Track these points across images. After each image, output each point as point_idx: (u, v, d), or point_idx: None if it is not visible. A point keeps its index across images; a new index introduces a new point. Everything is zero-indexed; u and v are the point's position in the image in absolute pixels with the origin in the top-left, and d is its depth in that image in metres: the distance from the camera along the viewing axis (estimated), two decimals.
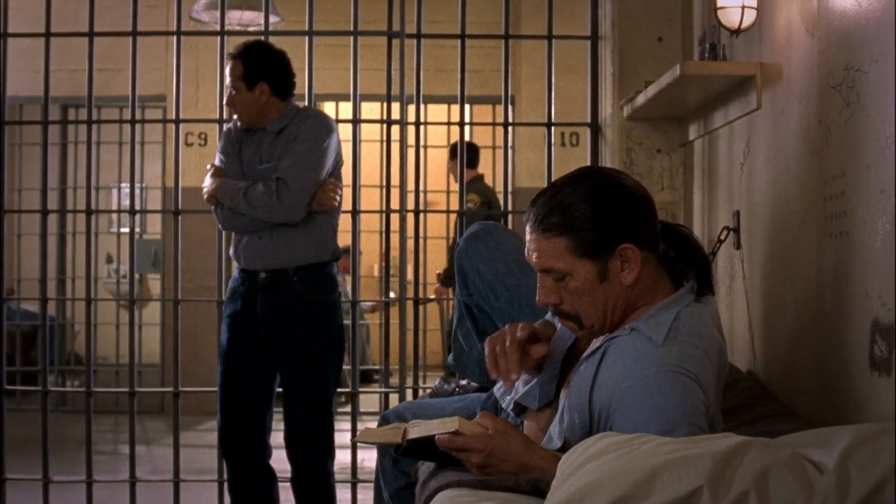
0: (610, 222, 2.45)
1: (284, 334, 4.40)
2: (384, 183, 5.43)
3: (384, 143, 5.45)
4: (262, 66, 4.39)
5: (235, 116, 4.48)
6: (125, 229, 7.95)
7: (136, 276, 5.29)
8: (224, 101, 4.43)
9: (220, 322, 4.60)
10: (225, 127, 4.63)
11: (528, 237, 2.54)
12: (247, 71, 4.35)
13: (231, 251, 4.51)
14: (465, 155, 5.16)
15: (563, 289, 2.50)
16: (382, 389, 5.38)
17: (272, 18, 5.41)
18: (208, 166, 4.46)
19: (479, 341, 3.34)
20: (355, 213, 5.18)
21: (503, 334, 2.66)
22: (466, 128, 5.25)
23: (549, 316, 2.85)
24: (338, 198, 4.43)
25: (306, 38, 5.04)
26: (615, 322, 2.53)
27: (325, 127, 4.42)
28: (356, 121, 5.23)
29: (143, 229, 9.27)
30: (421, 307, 5.20)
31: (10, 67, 5.06)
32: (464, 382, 3.54)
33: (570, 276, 2.47)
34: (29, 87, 6.58)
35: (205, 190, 4.42)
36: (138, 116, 5.11)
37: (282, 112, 4.42)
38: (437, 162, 8.73)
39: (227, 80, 4.38)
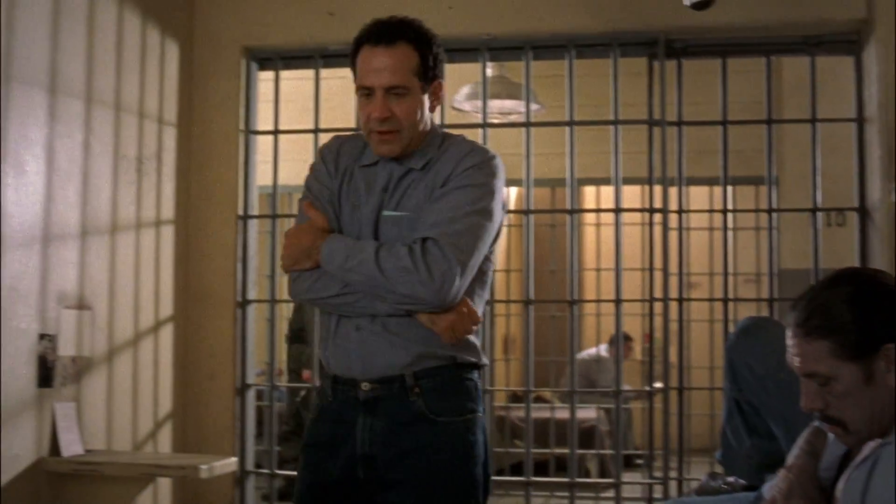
0: (872, 322, 2.39)
1: (396, 474, 2.84)
2: (646, 266, 5.38)
3: (645, 227, 5.42)
4: (438, 56, 2.91)
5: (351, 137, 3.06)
6: None
7: None
8: (373, 115, 2.81)
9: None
10: (318, 154, 3.06)
11: (789, 342, 2.50)
12: (424, 61, 2.85)
13: (320, 350, 3.03)
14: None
15: (827, 393, 2.44)
16: (647, 480, 5.31)
17: (532, 106, 5.47)
18: (301, 205, 2.97)
19: (749, 437, 3.29)
20: (619, 301, 5.15)
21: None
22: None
23: (816, 422, 2.76)
24: (474, 327, 2.86)
25: (567, 128, 5.07)
26: (883, 426, 2.44)
27: (494, 169, 2.88)
28: (618, 210, 5.21)
29: None
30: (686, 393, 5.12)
31: (283, 158, 5.34)
32: (731, 479, 3.46)
33: (835, 380, 2.41)
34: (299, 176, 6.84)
35: (290, 251, 2.87)
36: None
37: (423, 137, 2.92)
38: (699, 244, 8.61)
39: (376, 78, 2.81)
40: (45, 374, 4.23)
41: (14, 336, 4.06)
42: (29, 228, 4.15)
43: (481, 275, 2.89)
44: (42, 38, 4.26)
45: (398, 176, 2.87)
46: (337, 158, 2.97)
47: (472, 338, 2.87)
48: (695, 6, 4.61)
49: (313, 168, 3.01)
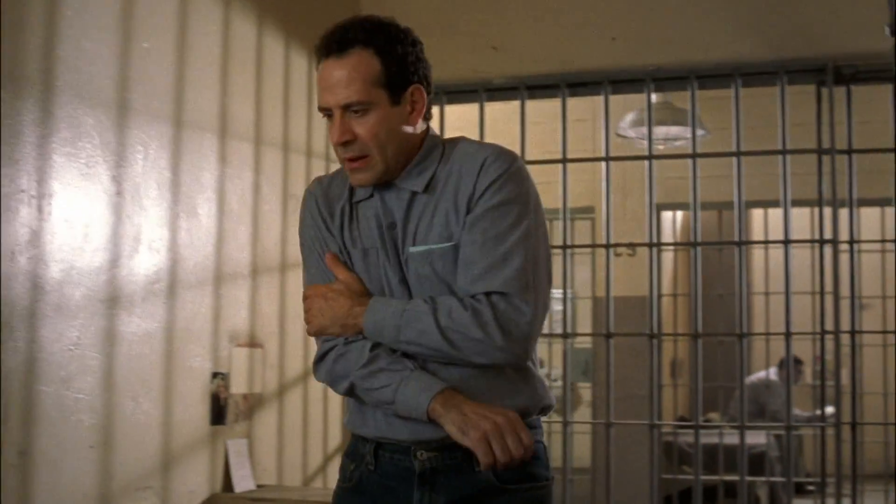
0: None
1: None
2: (816, 289, 5.29)
3: (815, 249, 5.31)
4: (408, 57, 2.39)
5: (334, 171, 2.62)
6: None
7: (568, 383, 5.39)
8: (335, 140, 2.36)
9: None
10: (306, 192, 2.59)
11: None
12: (387, 66, 2.35)
13: (347, 419, 2.55)
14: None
15: None
16: None
17: (698, 132, 5.41)
18: (307, 255, 2.56)
19: None
20: (788, 334, 5.06)
21: None
22: None
23: None
24: (523, 451, 2.23)
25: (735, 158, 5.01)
26: None
27: (521, 173, 2.38)
28: (787, 241, 5.11)
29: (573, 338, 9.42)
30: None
31: None
32: None
33: None
34: None
35: (318, 319, 2.42)
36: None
37: (410, 153, 2.44)
38: (870, 264, 8.39)
39: (330, 95, 2.36)
40: (218, 411, 4.31)
41: (188, 375, 4.15)
42: (201, 270, 4.24)
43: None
44: (212, 83, 4.35)
45: (404, 207, 2.40)
46: (328, 202, 2.52)
47: (533, 369, 2.42)
48: None
49: (303, 217, 2.55)
